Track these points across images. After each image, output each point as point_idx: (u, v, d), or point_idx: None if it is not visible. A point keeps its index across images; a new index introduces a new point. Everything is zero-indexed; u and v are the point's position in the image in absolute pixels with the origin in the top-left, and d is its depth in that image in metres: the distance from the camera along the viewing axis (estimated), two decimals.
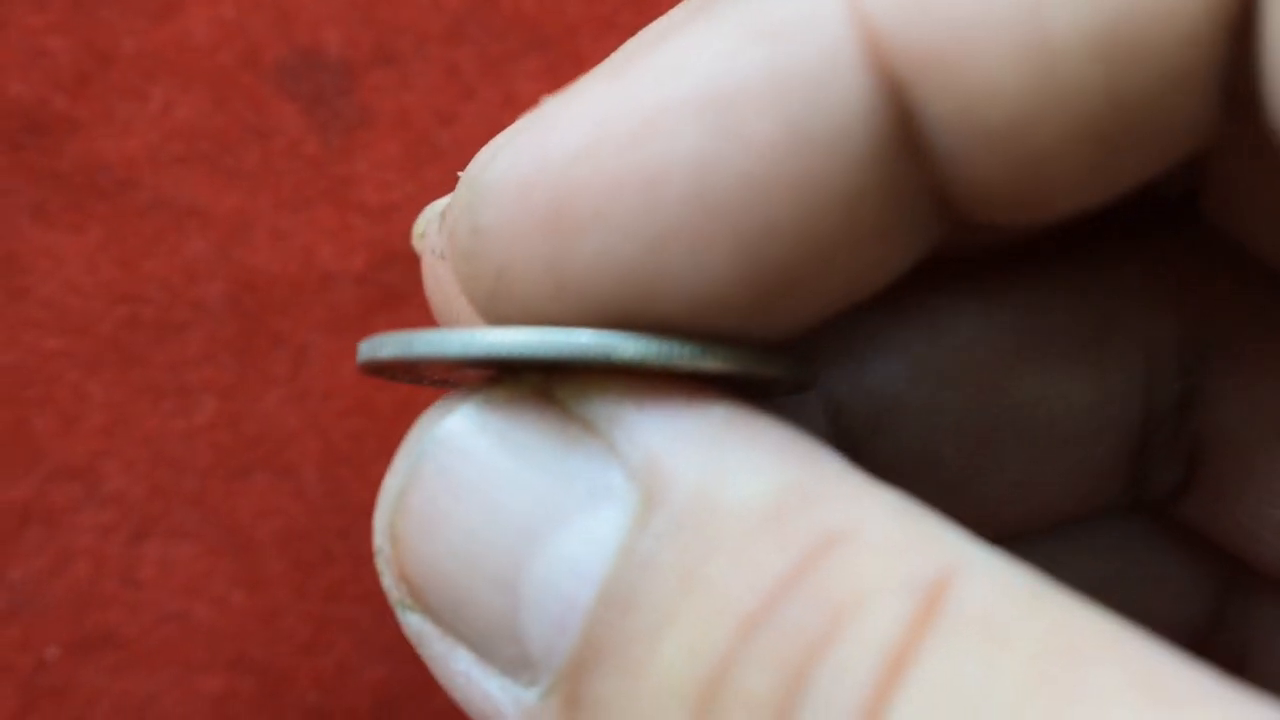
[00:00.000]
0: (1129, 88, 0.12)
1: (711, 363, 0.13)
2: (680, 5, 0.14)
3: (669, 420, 0.13)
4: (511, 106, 0.25)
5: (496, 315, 0.14)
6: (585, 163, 0.13)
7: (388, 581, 0.14)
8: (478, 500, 0.14)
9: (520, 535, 0.13)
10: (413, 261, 0.24)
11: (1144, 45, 0.12)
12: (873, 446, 0.17)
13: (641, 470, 0.13)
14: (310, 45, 0.25)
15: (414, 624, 0.14)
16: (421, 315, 0.24)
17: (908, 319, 0.17)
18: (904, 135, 0.12)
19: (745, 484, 0.12)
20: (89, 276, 0.24)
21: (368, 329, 0.24)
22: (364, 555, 0.24)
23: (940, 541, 0.12)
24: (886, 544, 0.12)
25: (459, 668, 0.14)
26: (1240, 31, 0.12)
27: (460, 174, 0.14)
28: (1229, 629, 0.19)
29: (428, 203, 0.24)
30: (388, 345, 0.14)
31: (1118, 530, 0.19)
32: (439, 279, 0.18)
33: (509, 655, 0.13)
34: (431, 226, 0.18)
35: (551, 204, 0.13)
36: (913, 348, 0.17)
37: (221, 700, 0.23)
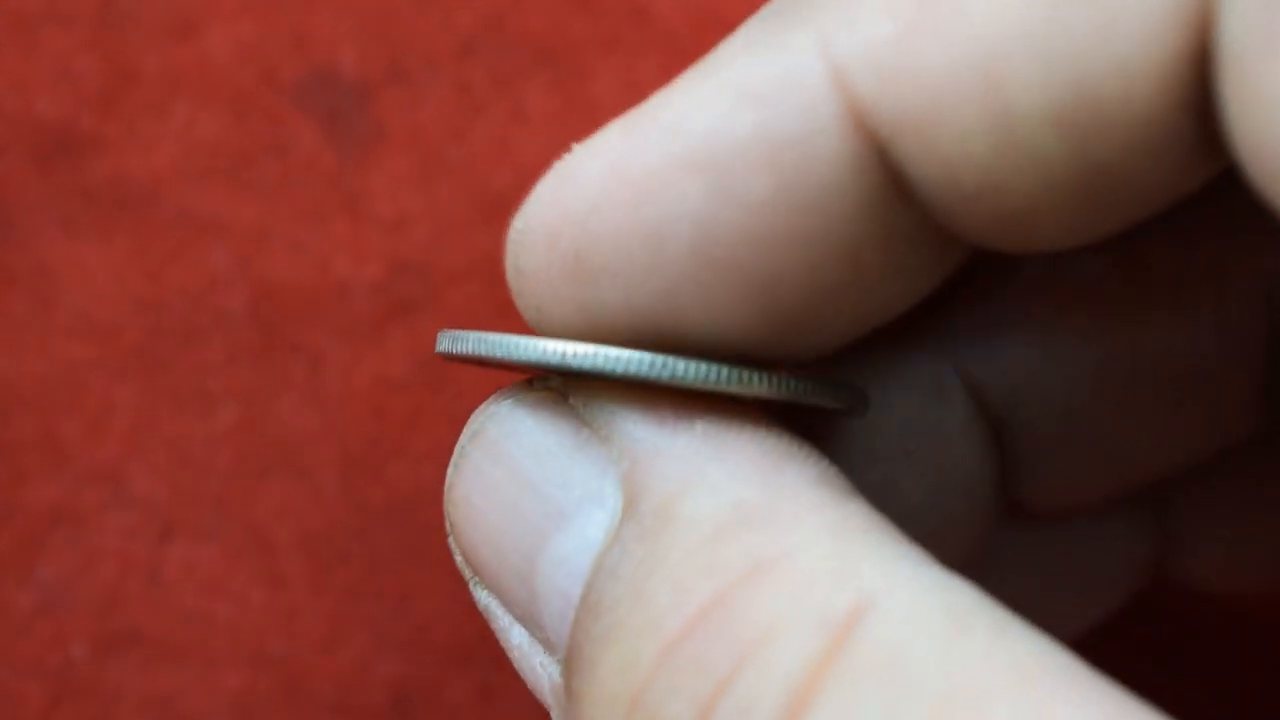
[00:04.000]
0: (1095, 154, 0.12)
1: (767, 389, 0.14)
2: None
3: (654, 432, 0.14)
4: (520, 122, 0.25)
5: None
6: (599, 216, 0.13)
7: (458, 559, 0.15)
8: (501, 498, 0.14)
9: (531, 532, 0.14)
10: (425, 272, 0.24)
11: (1104, 117, 0.12)
12: (1017, 418, 0.17)
13: (625, 479, 0.13)
14: (326, 64, 0.25)
15: (481, 599, 0.15)
16: (434, 323, 0.25)
17: (1025, 286, 0.17)
18: (895, 185, 0.13)
19: (699, 501, 0.13)
20: (115, 287, 0.24)
21: (382, 336, 0.24)
22: (379, 554, 0.24)
23: (866, 569, 0.12)
24: (809, 573, 0.12)
25: (515, 641, 0.14)
26: (1203, 101, 0.12)
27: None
28: None
29: (440, 215, 0.25)
30: (464, 342, 0.14)
31: (1258, 460, 0.19)
32: None
33: (540, 637, 0.14)
34: None
35: (574, 253, 0.13)
36: (1035, 314, 0.17)
37: (242, 696, 0.23)
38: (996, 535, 0.18)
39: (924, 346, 0.17)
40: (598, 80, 0.25)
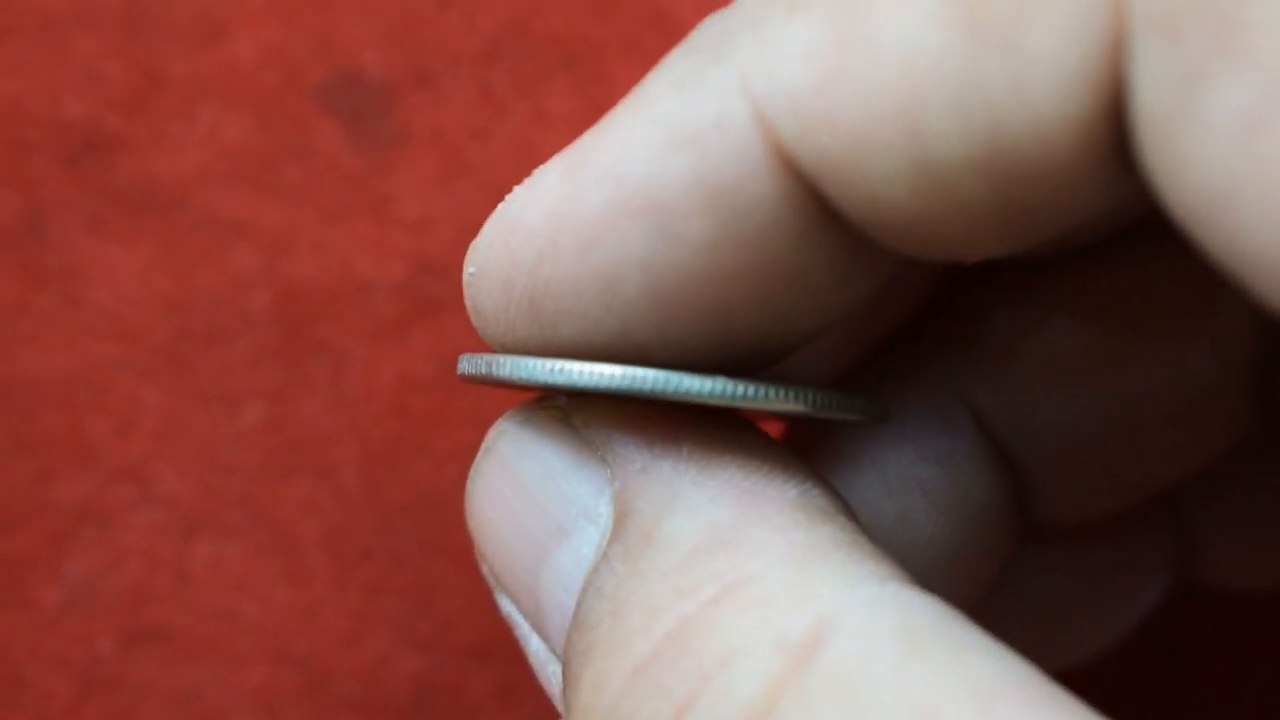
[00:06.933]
0: (1017, 195, 0.12)
1: (780, 403, 0.14)
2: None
3: (644, 453, 0.14)
4: (542, 124, 0.25)
5: None
6: (550, 264, 0.13)
7: (483, 568, 0.15)
8: (509, 512, 0.15)
9: (535, 547, 0.14)
10: (448, 272, 0.25)
11: (1024, 164, 0.12)
12: (1024, 445, 0.18)
13: (616, 498, 0.14)
14: (350, 67, 0.25)
15: (504, 606, 0.15)
16: (456, 323, 0.25)
17: (1026, 322, 0.17)
18: (829, 214, 0.13)
19: (677, 523, 0.13)
20: (142, 288, 0.24)
21: (405, 336, 0.25)
22: (402, 552, 0.24)
23: (825, 592, 0.12)
24: (773, 596, 0.12)
25: (533, 650, 0.15)
26: (1123, 142, 0.12)
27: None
28: None
29: (463, 216, 0.25)
30: (479, 364, 0.15)
31: (1259, 456, 0.19)
32: None
33: (549, 647, 0.14)
34: None
35: (529, 299, 0.14)
36: (1037, 348, 0.17)
37: (265, 692, 0.24)
38: (1022, 554, 0.19)
39: (929, 381, 0.18)
40: (619, 83, 0.25)
